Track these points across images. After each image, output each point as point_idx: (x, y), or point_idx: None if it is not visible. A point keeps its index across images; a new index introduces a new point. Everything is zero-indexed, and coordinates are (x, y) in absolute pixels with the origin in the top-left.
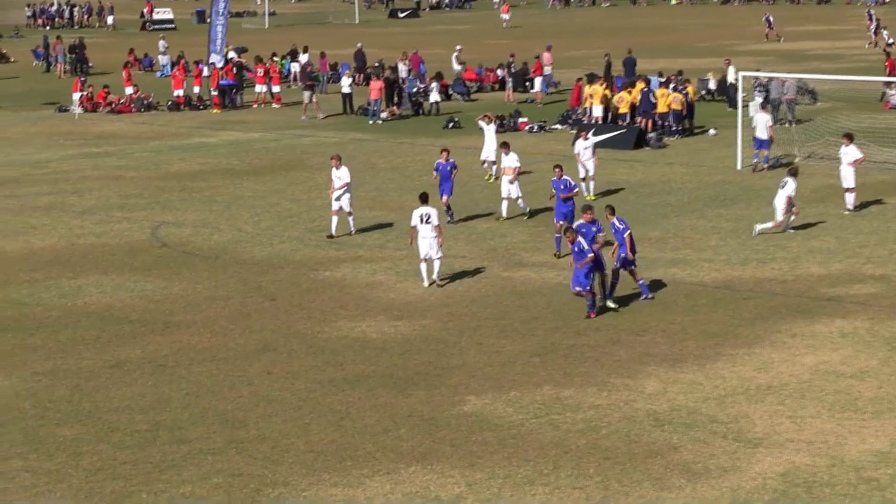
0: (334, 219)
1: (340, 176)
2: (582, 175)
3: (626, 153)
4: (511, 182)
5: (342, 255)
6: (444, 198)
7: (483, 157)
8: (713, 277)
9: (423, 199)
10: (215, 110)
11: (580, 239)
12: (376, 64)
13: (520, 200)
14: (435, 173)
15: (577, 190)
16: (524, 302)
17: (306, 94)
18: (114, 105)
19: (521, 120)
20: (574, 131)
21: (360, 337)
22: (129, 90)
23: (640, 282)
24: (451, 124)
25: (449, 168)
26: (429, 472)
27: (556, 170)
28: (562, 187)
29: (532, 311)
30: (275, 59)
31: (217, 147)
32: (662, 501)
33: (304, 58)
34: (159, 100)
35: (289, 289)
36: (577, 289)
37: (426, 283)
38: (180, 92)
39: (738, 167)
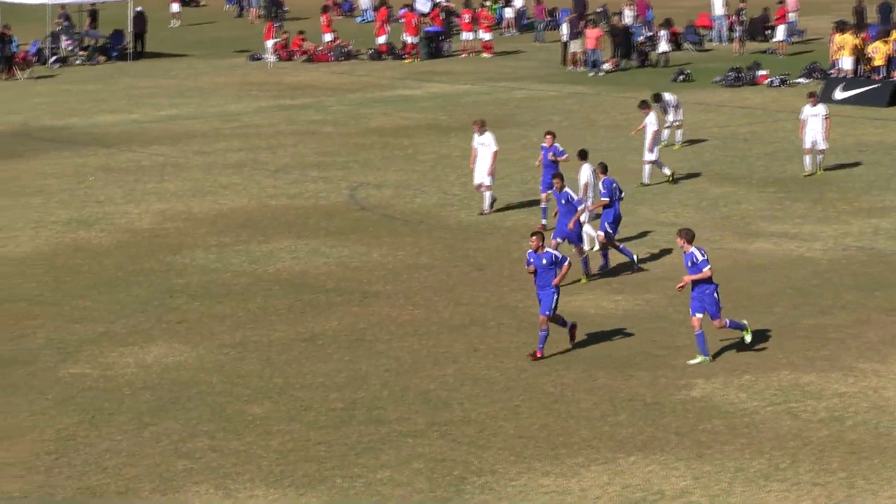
0: (486, 195)
1: (484, 142)
2: (808, 145)
3: (880, 111)
4: (650, 149)
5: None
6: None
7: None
8: None
9: (583, 155)
10: (408, 60)
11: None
12: (599, 10)
13: (663, 167)
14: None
15: (582, 206)
16: (760, 276)
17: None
18: (310, 53)
19: (759, 73)
20: (820, 86)
21: (576, 312)
22: (327, 37)
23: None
24: (681, 77)
25: (553, 155)
26: (651, 463)
27: (556, 181)
28: (563, 201)
29: (769, 287)
30: (486, 4)
31: (421, 100)
32: None
33: (518, 2)
34: (360, 48)
35: (498, 258)
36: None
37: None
38: (382, 39)
39: None
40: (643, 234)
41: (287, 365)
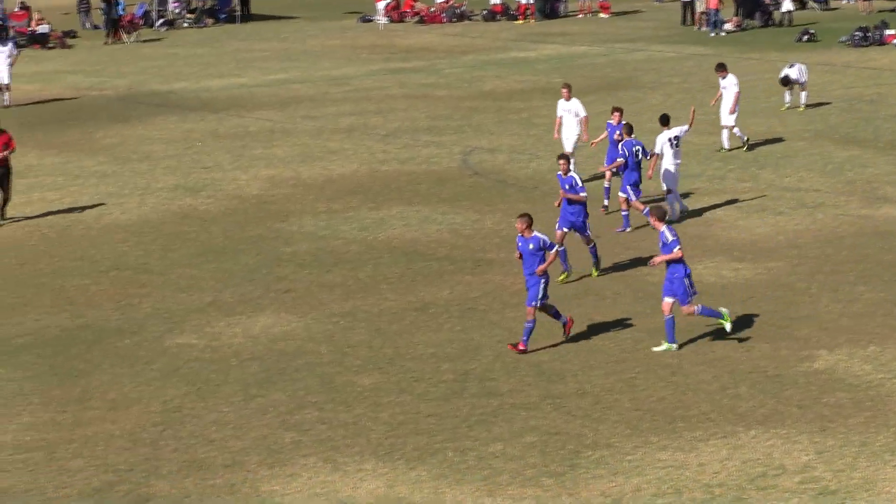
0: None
1: (570, 109)
2: None
3: None
4: (731, 111)
5: (678, 186)
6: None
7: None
8: None
9: (665, 121)
10: (522, 21)
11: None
12: None
13: (736, 129)
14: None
15: (584, 194)
16: (887, 244)
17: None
18: (422, 14)
19: (887, 32)
20: None
21: (696, 280)
22: None
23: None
24: (805, 37)
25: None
26: (772, 437)
27: (562, 162)
28: (566, 186)
29: None
30: None
31: (537, 62)
32: None
33: None
34: (473, 8)
35: (612, 225)
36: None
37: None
38: (497, 0)
39: None
40: (763, 198)
41: (397, 335)
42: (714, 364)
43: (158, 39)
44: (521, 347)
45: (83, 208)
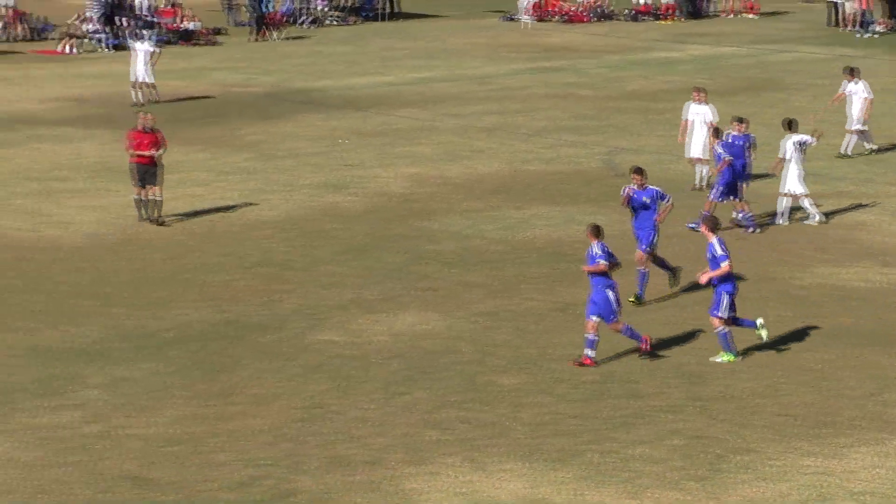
0: (703, 170)
1: (700, 112)
2: None
3: None
4: (861, 119)
5: (823, 189)
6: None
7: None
8: None
9: (789, 125)
10: (668, 21)
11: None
12: None
13: (865, 142)
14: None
15: (669, 202)
16: None
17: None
18: (567, 13)
19: None
20: None
21: (841, 285)
22: None
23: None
24: None
25: (743, 144)
26: None
27: (636, 176)
28: (645, 200)
29: None
30: None
31: (682, 63)
32: None
33: None
34: (617, 8)
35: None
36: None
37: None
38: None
39: None
40: None
41: (540, 335)
42: (860, 370)
43: (304, 37)
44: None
45: (229, 205)
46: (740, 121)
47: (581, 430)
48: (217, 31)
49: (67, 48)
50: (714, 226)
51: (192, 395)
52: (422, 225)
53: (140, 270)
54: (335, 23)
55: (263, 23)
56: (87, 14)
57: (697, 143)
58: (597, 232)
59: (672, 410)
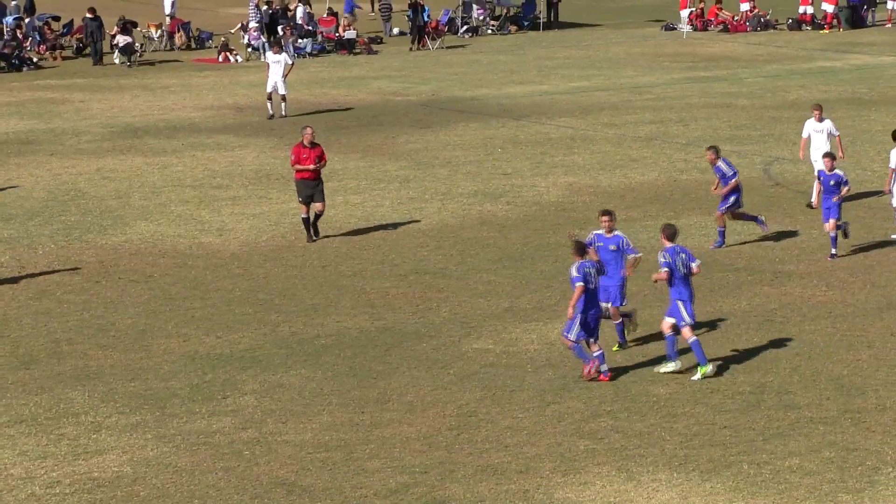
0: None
1: (820, 129)
2: None
3: None
4: None
5: None
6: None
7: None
8: None
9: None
10: (828, 30)
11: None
12: None
13: None
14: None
15: (638, 255)
16: None
17: None
18: (727, 23)
19: None
20: None
21: None
22: (744, 6)
23: None
24: None
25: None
26: None
27: (603, 219)
28: (611, 248)
29: None
30: None
31: (842, 72)
32: None
33: None
34: (778, 17)
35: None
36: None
37: None
38: (807, 9)
39: None
40: None
41: (705, 344)
42: None
43: (462, 46)
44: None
45: (384, 213)
46: None
47: (734, 441)
48: (376, 41)
49: (227, 57)
50: (671, 235)
51: (346, 401)
52: (577, 234)
53: (295, 277)
54: (493, 32)
55: (422, 32)
56: (250, 24)
57: (818, 159)
58: (579, 251)
59: (826, 422)
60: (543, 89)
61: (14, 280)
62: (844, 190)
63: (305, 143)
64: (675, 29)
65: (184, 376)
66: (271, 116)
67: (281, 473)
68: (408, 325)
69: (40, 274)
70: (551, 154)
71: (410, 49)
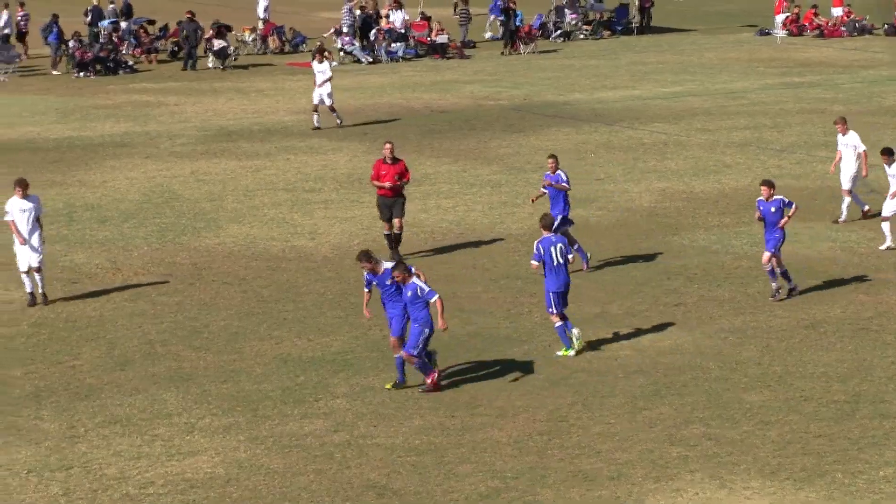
0: (845, 201)
1: (848, 143)
2: None
3: None
4: None
5: None
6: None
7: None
8: None
9: None
10: None
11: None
12: None
13: None
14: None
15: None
16: None
17: None
18: (822, 28)
19: None
20: None
21: None
22: (837, 11)
23: None
24: None
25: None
26: None
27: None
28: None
29: None
30: None
31: None
32: None
33: None
34: (875, 23)
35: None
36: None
37: None
38: None
39: None
40: None
41: (787, 353)
42: None
43: (555, 50)
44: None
45: (475, 218)
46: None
47: (828, 450)
48: (468, 45)
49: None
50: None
51: (437, 405)
52: (668, 240)
53: None
54: (586, 37)
55: (515, 37)
56: (343, 27)
57: (847, 174)
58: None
59: None
60: (636, 94)
61: (109, 281)
62: (791, 211)
63: (386, 158)
64: (770, 34)
65: (276, 379)
66: (317, 128)
67: (372, 476)
68: (499, 329)
69: (135, 276)
70: (644, 159)
71: (503, 53)
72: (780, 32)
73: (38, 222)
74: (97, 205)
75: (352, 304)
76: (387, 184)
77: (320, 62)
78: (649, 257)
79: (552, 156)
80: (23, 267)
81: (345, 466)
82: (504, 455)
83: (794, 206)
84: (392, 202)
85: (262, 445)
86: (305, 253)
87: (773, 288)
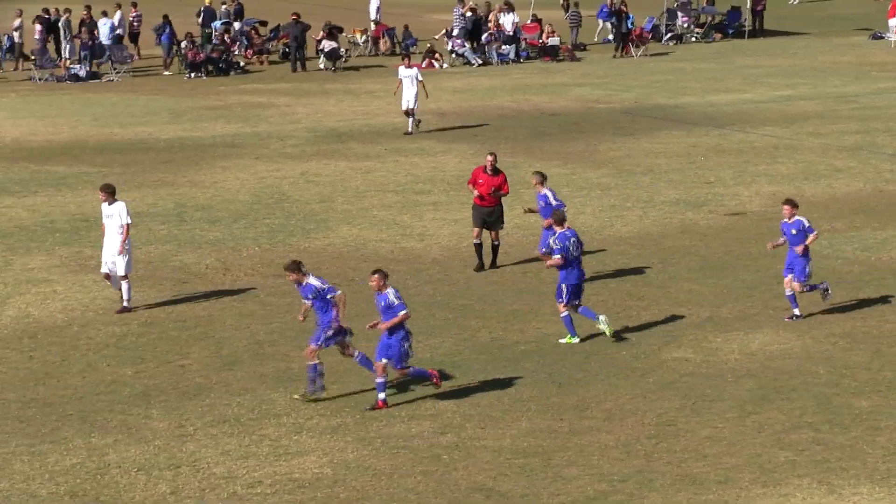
0: None
1: None
2: None
3: None
4: None
5: None
6: None
7: None
8: None
9: None
10: None
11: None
12: None
13: None
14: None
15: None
16: None
17: None
18: None
19: None
20: None
21: None
22: None
23: None
24: None
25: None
26: None
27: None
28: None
29: None
30: None
31: None
32: None
33: None
34: None
35: None
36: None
37: None
38: None
39: None
40: None
41: None
42: None
43: (666, 53)
44: None
45: (585, 221)
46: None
47: None
48: (579, 48)
49: (431, 63)
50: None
51: (545, 408)
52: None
53: (495, 283)
54: (698, 40)
55: (626, 39)
56: (453, 30)
57: None
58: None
59: None
60: (747, 97)
61: (218, 282)
62: (811, 238)
63: (487, 168)
64: (883, 38)
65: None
66: (409, 133)
67: (479, 479)
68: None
69: (244, 276)
70: (754, 163)
71: (614, 56)
72: (893, 36)
73: (120, 229)
74: (207, 205)
75: (460, 305)
76: (477, 192)
77: (408, 67)
78: (760, 261)
79: (537, 173)
80: (103, 269)
81: (452, 468)
82: (611, 458)
83: (815, 232)
84: (487, 212)
85: (369, 446)
86: (414, 255)
87: (796, 314)
